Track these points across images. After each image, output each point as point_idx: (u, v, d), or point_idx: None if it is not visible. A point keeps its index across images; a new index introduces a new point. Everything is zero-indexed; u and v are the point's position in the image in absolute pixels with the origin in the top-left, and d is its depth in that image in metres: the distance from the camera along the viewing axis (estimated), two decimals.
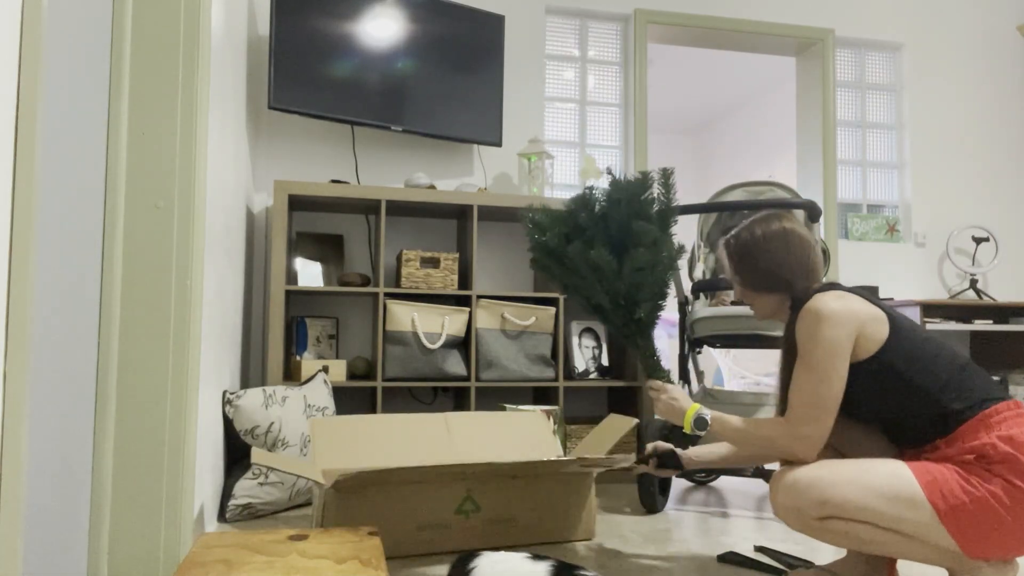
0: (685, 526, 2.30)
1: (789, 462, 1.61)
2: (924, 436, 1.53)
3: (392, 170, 3.36)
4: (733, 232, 1.76)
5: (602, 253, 1.74)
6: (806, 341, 1.56)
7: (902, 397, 1.53)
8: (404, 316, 2.84)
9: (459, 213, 3.20)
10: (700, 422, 1.69)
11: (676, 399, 1.75)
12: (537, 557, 1.42)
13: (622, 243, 1.77)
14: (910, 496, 1.44)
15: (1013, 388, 3.75)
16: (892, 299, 3.83)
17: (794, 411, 1.57)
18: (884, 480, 1.46)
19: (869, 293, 1.63)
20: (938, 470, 1.46)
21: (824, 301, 1.56)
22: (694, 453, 1.91)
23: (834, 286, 1.63)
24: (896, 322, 1.57)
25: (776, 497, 1.57)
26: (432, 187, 3.06)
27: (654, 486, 2.43)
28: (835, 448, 1.71)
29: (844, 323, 1.53)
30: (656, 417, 2.66)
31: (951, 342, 4.04)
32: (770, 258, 1.68)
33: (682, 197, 7.85)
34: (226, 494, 2.27)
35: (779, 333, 2.55)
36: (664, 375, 1.81)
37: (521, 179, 3.33)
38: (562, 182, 3.68)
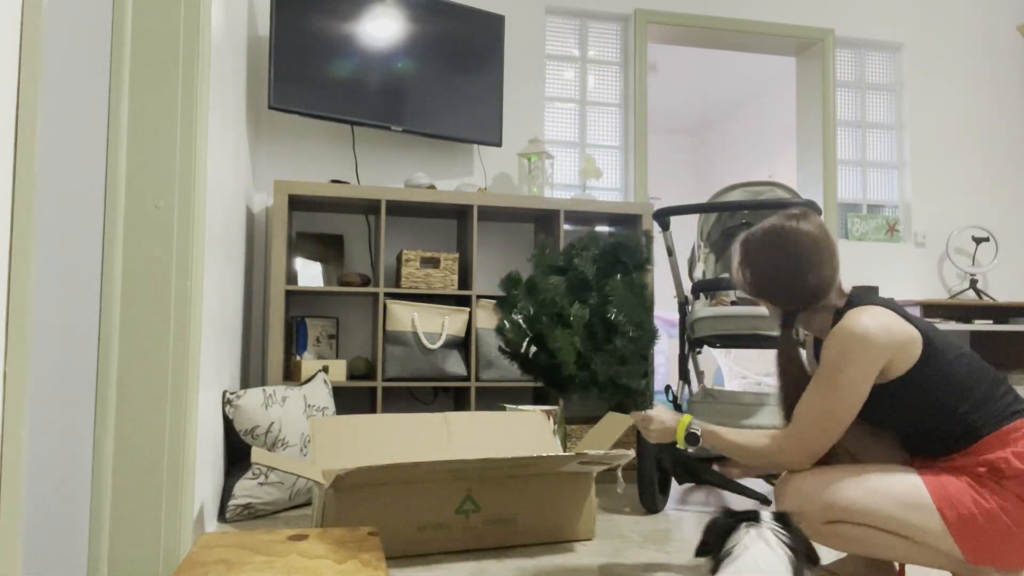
0: (685, 526, 2.30)
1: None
2: (942, 449, 1.51)
3: (392, 170, 3.36)
4: (743, 255, 1.63)
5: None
6: (835, 358, 1.49)
7: (927, 415, 1.50)
8: (404, 316, 2.84)
9: (459, 213, 3.20)
10: (691, 437, 1.64)
11: (663, 422, 1.69)
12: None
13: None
14: (919, 502, 1.43)
15: None
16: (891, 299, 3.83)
17: (801, 426, 1.52)
18: (892, 485, 1.45)
19: (900, 307, 1.56)
20: (949, 480, 1.45)
21: (860, 321, 1.48)
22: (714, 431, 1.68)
23: (869, 297, 1.57)
24: (930, 342, 1.50)
25: (782, 502, 1.54)
26: (432, 187, 3.07)
27: (654, 486, 2.43)
28: (847, 450, 1.67)
29: (878, 346, 1.46)
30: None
31: None
32: (798, 271, 1.56)
33: (682, 197, 7.84)
34: (226, 494, 2.27)
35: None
36: (643, 405, 1.73)
37: (521, 179, 3.33)
38: (562, 182, 3.68)
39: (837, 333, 1.51)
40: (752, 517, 1.30)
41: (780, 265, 1.58)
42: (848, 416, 1.50)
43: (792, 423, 1.55)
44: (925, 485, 1.44)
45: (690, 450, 1.68)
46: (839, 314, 1.55)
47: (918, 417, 1.51)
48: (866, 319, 1.49)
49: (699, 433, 1.65)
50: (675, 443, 1.70)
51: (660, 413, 1.71)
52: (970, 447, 1.47)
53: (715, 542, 1.31)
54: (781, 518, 1.31)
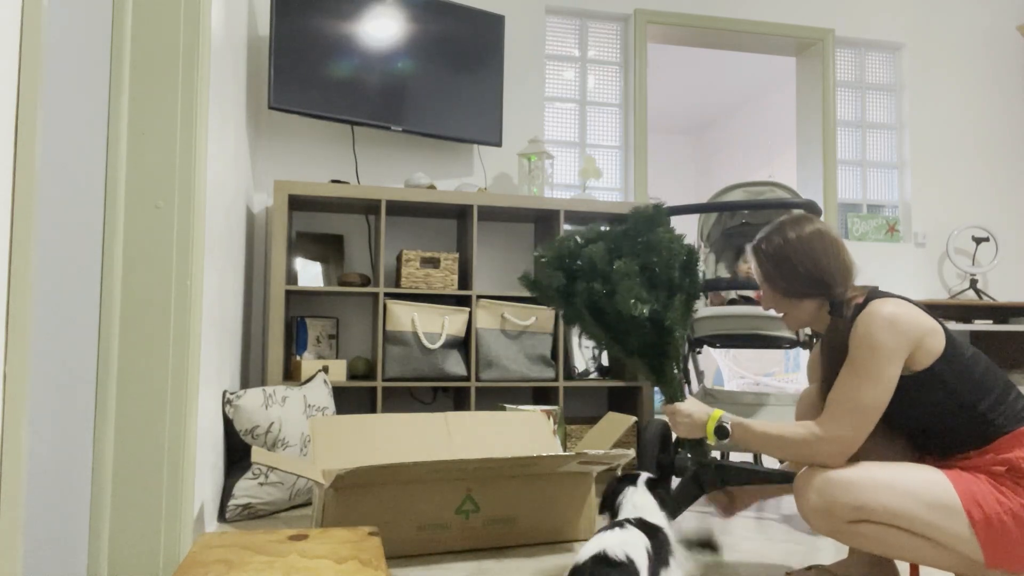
0: (684, 526, 2.30)
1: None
2: (958, 446, 1.51)
3: (392, 170, 3.36)
4: (763, 236, 1.67)
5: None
6: (866, 344, 1.49)
7: (947, 410, 1.50)
8: (404, 316, 2.84)
9: (459, 213, 3.20)
10: (720, 431, 1.62)
11: (691, 414, 1.67)
12: None
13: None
14: (947, 503, 1.42)
15: None
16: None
17: (834, 413, 1.51)
18: (922, 486, 1.44)
19: (917, 303, 1.57)
20: (972, 478, 1.44)
21: (887, 307, 1.50)
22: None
23: (883, 292, 1.58)
24: (950, 337, 1.52)
25: (807, 498, 1.51)
26: (432, 187, 3.07)
27: None
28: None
29: (906, 331, 1.48)
30: (651, 423, 2.66)
31: None
32: (808, 262, 1.59)
33: (682, 197, 7.85)
34: (226, 494, 2.27)
35: (779, 333, 2.55)
36: (676, 396, 1.72)
37: (521, 179, 3.33)
38: (562, 182, 3.68)
39: (865, 320, 1.51)
40: (632, 480, 1.64)
41: (819, 254, 1.60)
42: (880, 403, 1.48)
43: (825, 412, 1.53)
44: (952, 485, 1.43)
45: (720, 443, 1.65)
46: (859, 308, 1.55)
47: (937, 413, 1.51)
48: (891, 307, 1.50)
49: (729, 426, 1.62)
50: (702, 440, 1.67)
51: (690, 406, 1.68)
52: (986, 446, 1.47)
53: (609, 501, 1.64)
54: (651, 481, 1.63)
